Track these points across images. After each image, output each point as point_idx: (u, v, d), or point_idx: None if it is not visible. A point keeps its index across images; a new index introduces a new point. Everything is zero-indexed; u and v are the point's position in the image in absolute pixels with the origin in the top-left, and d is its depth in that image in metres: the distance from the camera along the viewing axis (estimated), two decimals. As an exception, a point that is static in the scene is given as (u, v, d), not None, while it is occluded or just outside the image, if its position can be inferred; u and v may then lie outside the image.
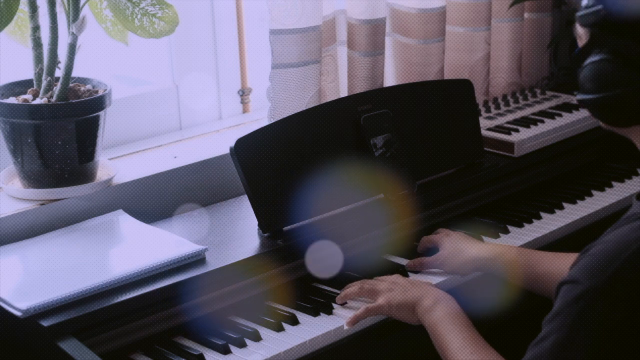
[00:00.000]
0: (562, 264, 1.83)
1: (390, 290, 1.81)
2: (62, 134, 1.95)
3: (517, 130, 2.43)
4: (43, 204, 1.98)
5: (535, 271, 1.90)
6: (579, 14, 1.54)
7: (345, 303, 1.84)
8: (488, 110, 2.58)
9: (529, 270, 1.91)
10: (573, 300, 1.42)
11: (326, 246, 1.93)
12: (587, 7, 1.53)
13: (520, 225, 2.18)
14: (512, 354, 1.63)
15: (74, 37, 1.94)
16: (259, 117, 2.46)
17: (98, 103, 1.99)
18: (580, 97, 1.56)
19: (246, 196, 1.94)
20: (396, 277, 1.87)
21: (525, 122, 2.49)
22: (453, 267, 1.97)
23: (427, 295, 1.77)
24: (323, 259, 1.92)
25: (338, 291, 1.88)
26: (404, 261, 2.01)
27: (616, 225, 1.52)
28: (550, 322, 1.45)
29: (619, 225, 1.51)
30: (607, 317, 1.40)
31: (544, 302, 2.01)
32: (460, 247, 1.99)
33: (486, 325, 1.88)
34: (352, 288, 1.85)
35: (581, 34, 1.57)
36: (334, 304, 1.83)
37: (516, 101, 2.68)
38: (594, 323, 1.41)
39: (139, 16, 1.99)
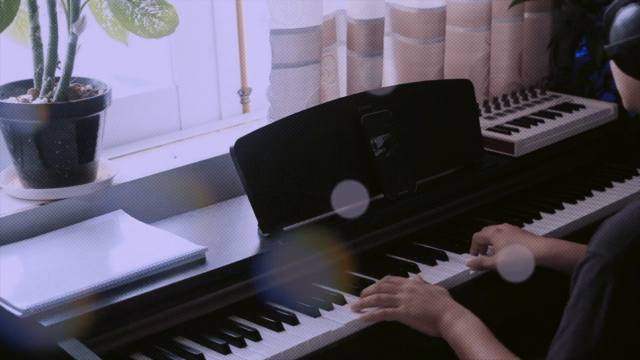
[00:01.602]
0: None
1: (410, 300, 1.77)
2: (62, 134, 1.95)
3: (517, 130, 2.43)
4: (43, 204, 1.98)
5: None
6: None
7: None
8: (488, 110, 2.58)
9: None
10: (596, 276, 1.41)
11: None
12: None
13: (520, 225, 2.17)
14: (517, 352, 1.63)
15: (74, 37, 1.94)
16: (259, 117, 2.46)
17: (98, 103, 1.99)
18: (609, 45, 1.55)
19: (246, 196, 1.94)
20: (413, 284, 1.82)
21: (525, 122, 2.49)
22: (513, 268, 1.97)
23: (448, 309, 1.75)
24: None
25: (338, 291, 1.88)
26: (403, 260, 2.01)
27: (631, 199, 1.49)
28: (572, 307, 1.43)
29: (633, 198, 1.49)
30: (630, 286, 1.39)
31: (548, 300, 2.01)
32: (518, 248, 1.97)
33: (491, 323, 1.87)
34: (369, 298, 1.80)
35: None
36: (334, 304, 1.83)
37: (516, 101, 2.67)
38: (616, 294, 1.39)
39: (139, 16, 1.99)
